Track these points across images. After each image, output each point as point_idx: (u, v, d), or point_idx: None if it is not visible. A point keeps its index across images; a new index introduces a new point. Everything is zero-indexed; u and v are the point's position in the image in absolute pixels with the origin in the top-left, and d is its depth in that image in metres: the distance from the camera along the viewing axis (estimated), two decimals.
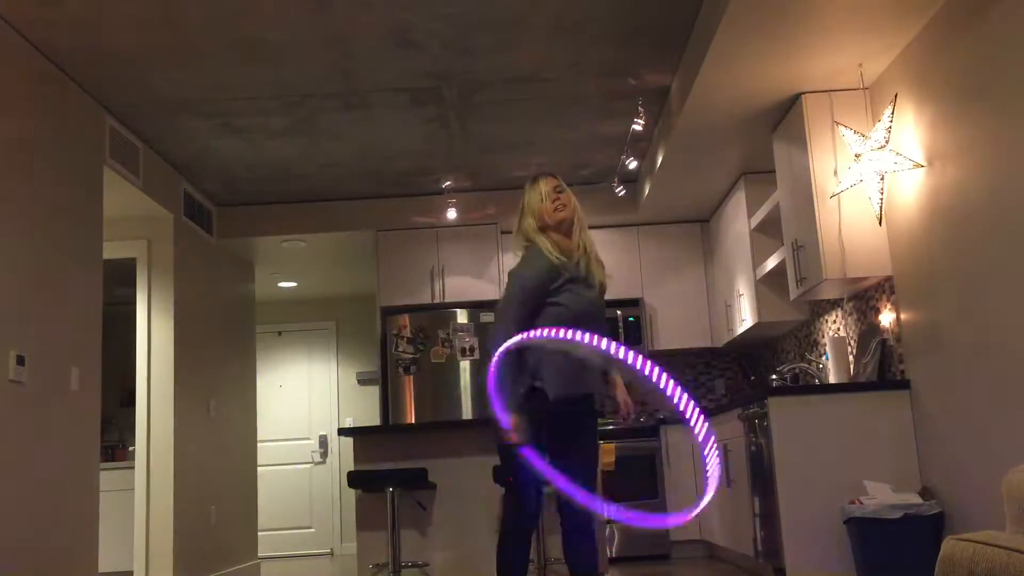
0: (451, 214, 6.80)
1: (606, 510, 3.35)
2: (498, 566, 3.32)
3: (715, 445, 2.38)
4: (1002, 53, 3.48)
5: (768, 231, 5.86)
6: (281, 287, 8.56)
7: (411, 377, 6.72)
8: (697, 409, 2.29)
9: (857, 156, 4.37)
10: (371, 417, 8.41)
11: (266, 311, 8.46)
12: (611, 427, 6.62)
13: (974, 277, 3.81)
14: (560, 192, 3.38)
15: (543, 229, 3.35)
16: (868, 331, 4.89)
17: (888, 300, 4.64)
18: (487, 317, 6.77)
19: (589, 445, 3.38)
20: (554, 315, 3.21)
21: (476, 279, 6.90)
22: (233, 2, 4.12)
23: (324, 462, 9.04)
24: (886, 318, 4.67)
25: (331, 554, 8.88)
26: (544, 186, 3.38)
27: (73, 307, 4.65)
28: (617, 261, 6.80)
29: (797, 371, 5.66)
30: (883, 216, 4.39)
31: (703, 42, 4.32)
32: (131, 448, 6.43)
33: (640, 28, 4.55)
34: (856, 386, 4.69)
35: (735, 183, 6.27)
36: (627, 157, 6.10)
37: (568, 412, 3.25)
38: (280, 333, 9.17)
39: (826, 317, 5.61)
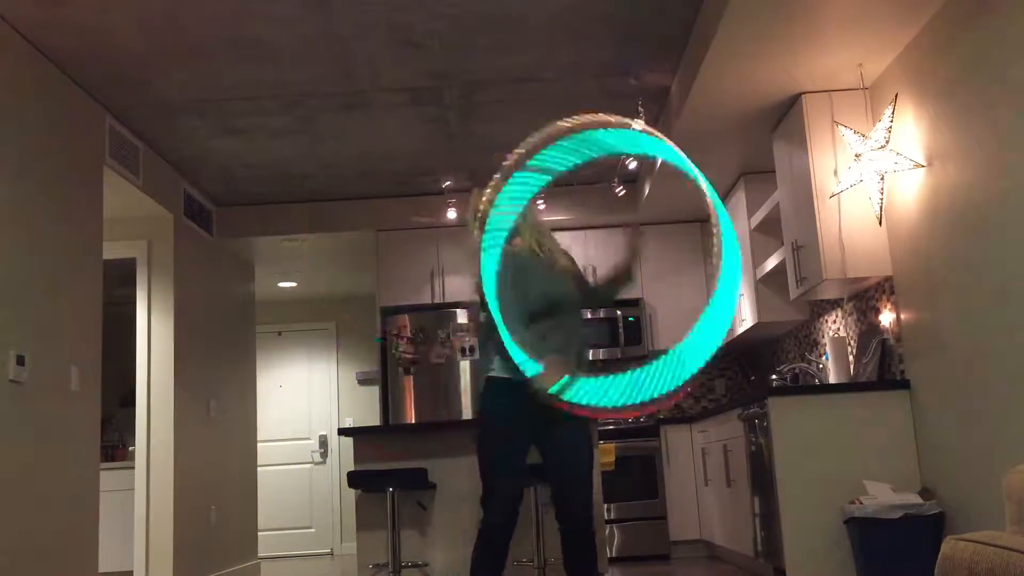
0: (451, 214, 6.80)
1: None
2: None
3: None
4: (1002, 53, 3.48)
5: (768, 231, 5.86)
6: (281, 287, 8.56)
7: (411, 377, 6.72)
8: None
9: (857, 156, 4.37)
10: (371, 417, 8.40)
11: (266, 311, 8.46)
12: (611, 427, 6.62)
13: (974, 277, 3.80)
14: None
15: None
16: (868, 331, 4.89)
17: (888, 300, 4.64)
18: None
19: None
20: None
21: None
22: (233, 2, 4.12)
23: (324, 462, 9.04)
24: (886, 318, 4.67)
25: (331, 554, 8.88)
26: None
27: (73, 307, 4.65)
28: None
29: (797, 371, 5.65)
30: (883, 216, 4.39)
31: (703, 42, 4.32)
32: (131, 448, 6.42)
33: (640, 28, 4.55)
34: (856, 386, 4.69)
35: (735, 183, 6.27)
36: (627, 157, 6.09)
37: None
38: (280, 333, 9.17)
39: (826, 317, 5.61)
